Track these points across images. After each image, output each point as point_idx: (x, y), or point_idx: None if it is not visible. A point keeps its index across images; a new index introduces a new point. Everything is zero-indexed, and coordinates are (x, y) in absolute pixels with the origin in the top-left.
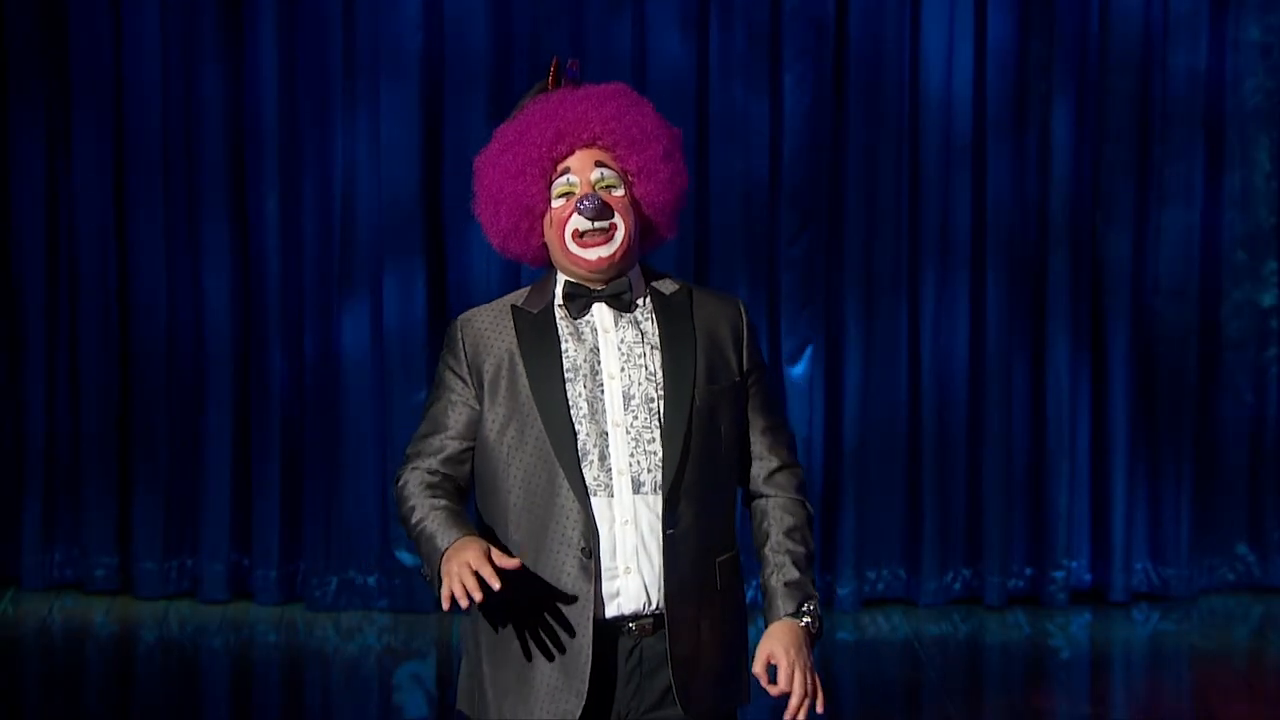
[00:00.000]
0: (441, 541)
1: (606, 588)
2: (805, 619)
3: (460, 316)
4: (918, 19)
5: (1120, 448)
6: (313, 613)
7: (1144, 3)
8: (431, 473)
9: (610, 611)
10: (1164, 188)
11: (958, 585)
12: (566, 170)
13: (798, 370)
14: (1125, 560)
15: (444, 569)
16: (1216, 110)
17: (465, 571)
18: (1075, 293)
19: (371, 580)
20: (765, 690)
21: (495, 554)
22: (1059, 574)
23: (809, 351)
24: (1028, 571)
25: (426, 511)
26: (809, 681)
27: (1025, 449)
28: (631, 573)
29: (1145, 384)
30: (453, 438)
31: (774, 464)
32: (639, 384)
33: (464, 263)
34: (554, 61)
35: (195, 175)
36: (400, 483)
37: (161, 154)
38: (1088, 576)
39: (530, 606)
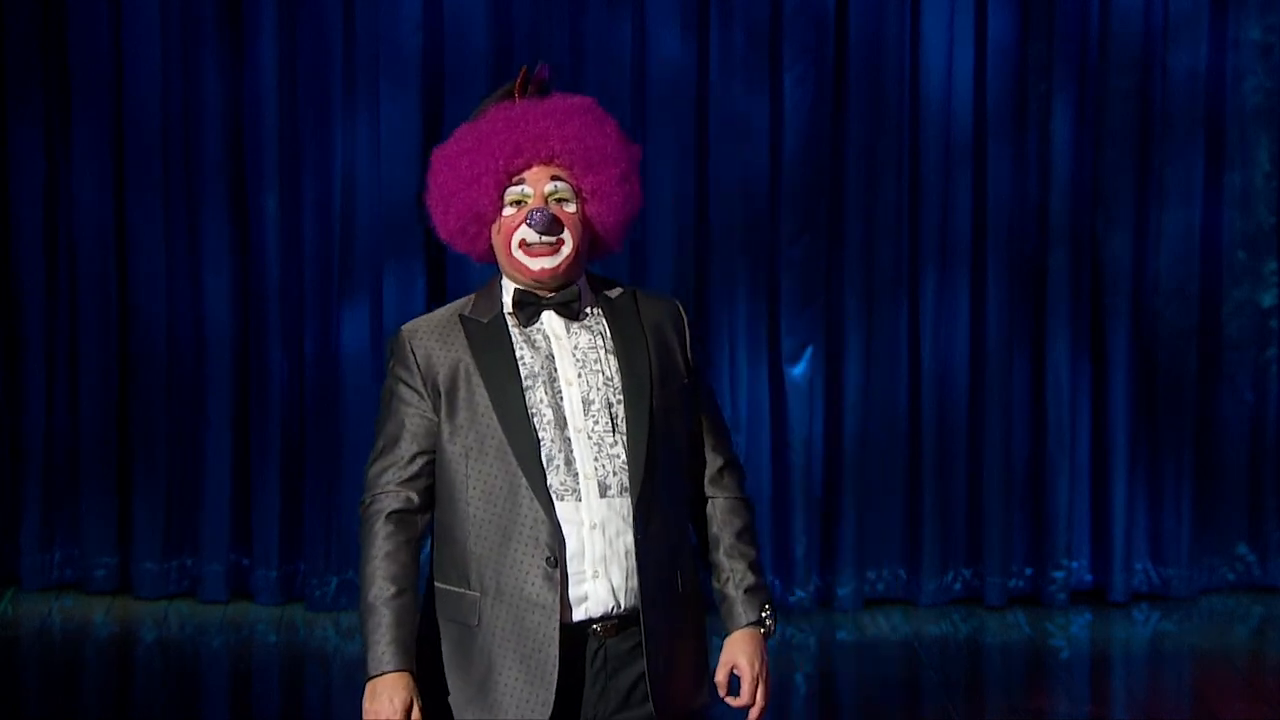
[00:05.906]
0: (380, 653)
1: (574, 592)
2: (766, 625)
3: (404, 327)
4: (918, 19)
5: (1120, 448)
6: (313, 613)
7: (1144, 3)
8: (394, 513)
9: (578, 615)
10: (1164, 188)
11: (958, 585)
12: (521, 181)
13: (797, 371)
14: (1125, 560)
15: (369, 703)
16: (1216, 110)
17: None
18: (1075, 293)
19: None
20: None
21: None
22: (1059, 574)
23: (809, 352)
24: (1028, 571)
25: (381, 593)
26: (767, 694)
27: (1025, 449)
28: (599, 577)
29: (1145, 384)
30: (413, 453)
31: (719, 463)
32: (597, 389)
33: (464, 263)
34: (522, 70)
35: (195, 175)
36: (365, 519)
37: (161, 154)
38: (1088, 576)
39: (495, 615)
